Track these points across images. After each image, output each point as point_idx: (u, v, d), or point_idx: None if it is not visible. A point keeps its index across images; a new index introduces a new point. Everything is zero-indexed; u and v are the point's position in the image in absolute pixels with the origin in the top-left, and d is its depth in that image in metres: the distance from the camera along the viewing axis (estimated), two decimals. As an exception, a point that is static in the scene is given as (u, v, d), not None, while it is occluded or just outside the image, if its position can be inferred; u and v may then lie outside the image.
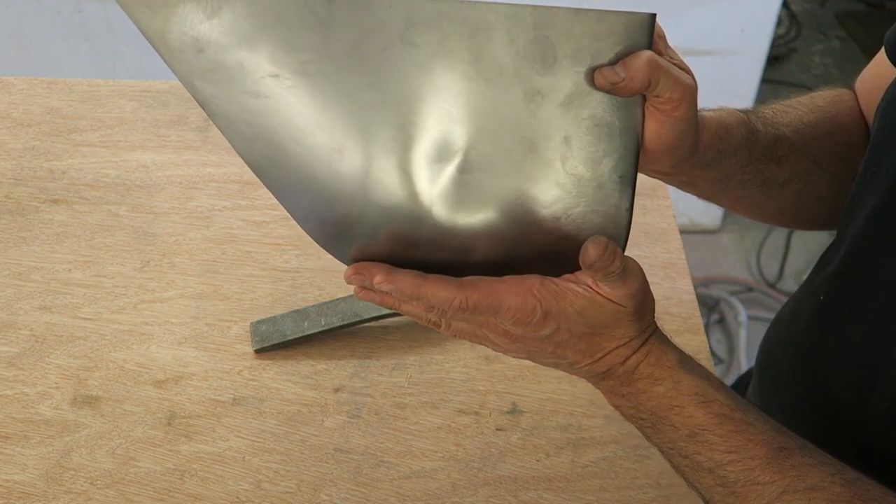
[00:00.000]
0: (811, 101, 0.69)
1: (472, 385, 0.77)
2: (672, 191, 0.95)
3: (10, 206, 0.92)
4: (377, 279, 0.53)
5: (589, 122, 0.49)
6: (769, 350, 0.77)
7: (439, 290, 0.53)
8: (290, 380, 0.78)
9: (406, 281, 0.53)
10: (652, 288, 0.84)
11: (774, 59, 2.55)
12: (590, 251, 0.51)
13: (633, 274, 0.53)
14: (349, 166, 0.51)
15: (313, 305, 0.81)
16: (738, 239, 2.08)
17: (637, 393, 0.55)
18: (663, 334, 0.57)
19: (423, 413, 0.75)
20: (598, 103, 0.49)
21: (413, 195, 0.52)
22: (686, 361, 0.56)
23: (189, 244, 0.89)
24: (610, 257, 0.51)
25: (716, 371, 0.79)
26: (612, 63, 0.47)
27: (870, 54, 0.72)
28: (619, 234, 0.54)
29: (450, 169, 0.51)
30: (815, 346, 0.66)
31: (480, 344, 0.57)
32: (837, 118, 0.68)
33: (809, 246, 2.06)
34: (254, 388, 0.77)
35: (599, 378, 0.57)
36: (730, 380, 1.59)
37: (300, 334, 0.79)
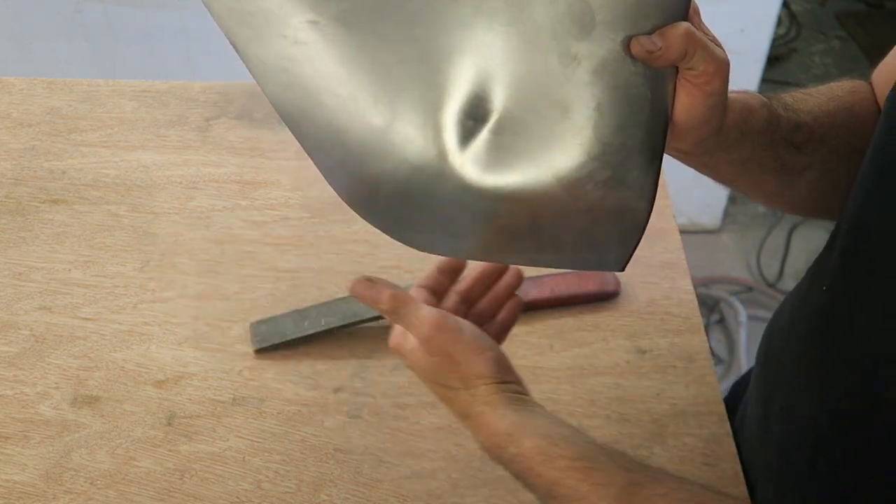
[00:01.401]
0: (830, 91, 0.68)
1: (472, 385, 0.77)
2: (672, 191, 0.95)
3: (10, 206, 0.92)
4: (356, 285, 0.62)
5: (622, 92, 0.50)
6: (771, 342, 0.76)
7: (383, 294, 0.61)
8: (290, 380, 0.78)
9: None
10: (652, 288, 0.85)
11: (774, 59, 2.55)
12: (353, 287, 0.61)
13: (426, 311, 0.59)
14: (382, 120, 0.51)
15: (313, 305, 0.81)
16: (738, 239, 2.08)
17: (496, 458, 0.60)
18: (509, 401, 0.60)
19: (423, 413, 0.75)
20: (632, 72, 0.49)
21: (443, 153, 0.52)
22: (528, 425, 0.58)
23: (189, 244, 0.89)
24: (371, 287, 0.61)
25: (715, 371, 0.80)
26: (649, 33, 0.47)
27: (870, 54, 0.72)
28: (642, 207, 0.54)
29: (483, 129, 0.51)
30: (815, 337, 0.66)
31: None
32: (854, 109, 0.67)
33: (809, 246, 2.06)
34: (254, 388, 0.77)
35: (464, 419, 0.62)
36: (730, 380, 1.59)
37: (300, 334, 0.79)
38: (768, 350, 0.77)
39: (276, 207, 0.93)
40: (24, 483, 0.70)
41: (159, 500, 0.69)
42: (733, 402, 0.82)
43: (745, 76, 1.75)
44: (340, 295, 0.83)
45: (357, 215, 0.54)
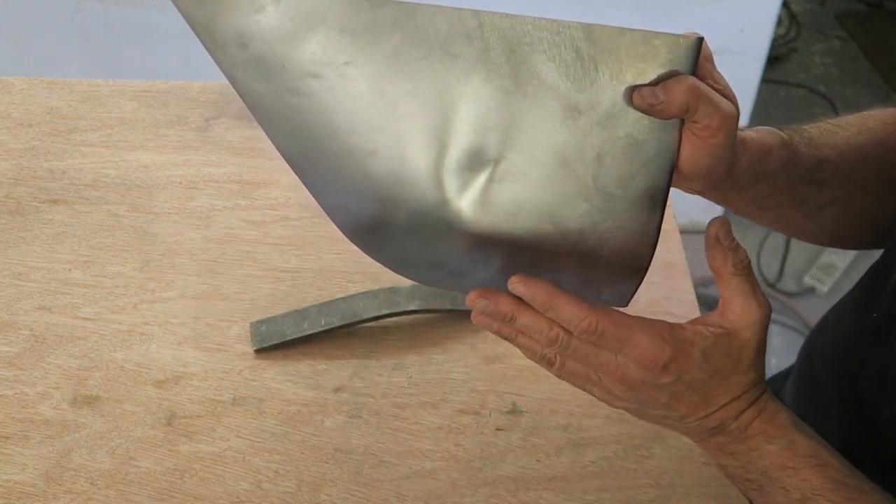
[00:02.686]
0: (862, 123, 0.66)
1: (472, 385, 0.77)
2: (672, 191, 0.95)
3: (10, 206, 0.92)
4: (513, 280, 0.52)
5: (624, 142, 0.49)
6: (809, 362, 0.76)
7: (571, 306, 0.51)
8: (290, 380, 0.78)
9: (541, 287, 0.51)
10: (652, 288, 0.85)
11: (774, 59, 2.55)
12: (712, 225, 0.52)
13: (763, 296, 0.53)
14: (381, 169, 0.51)
15: (313, 305, 0.81)
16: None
17: (748, 451, 0.53)
18: (772, 393, 0.55)
19: (423, 413, 0.75)
20: (634, 123, 0.48)
21: (442, 202, 0.52)
22: (799, 422, 0.54)
23: (189, 244, 0.89)
24: (733, 237, 0.52)
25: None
26: (653, 84, 0.46)
27: (870, 54, 0.72)
28: (644, 252, 0.54)
29: (481, 178, 0.51)
30: (863, 362, 0.65)
31: (586, 390, 0.55)
32: (887, 142, 0.66)
33: (809, 246, 2.06)
34: (254, 388, 0.77)
35: (709, 434, 0.55)
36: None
37: (300, 334, 0.79)
38: (805, 371, 0.75)
39: (276, 207, 0.93)
40: (24, 483, 0.70)
41: (159, 500, 0.69)
42: None
43: (745, 76, 1.75)
44: (340, 295, 0.83)
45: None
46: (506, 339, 0.54)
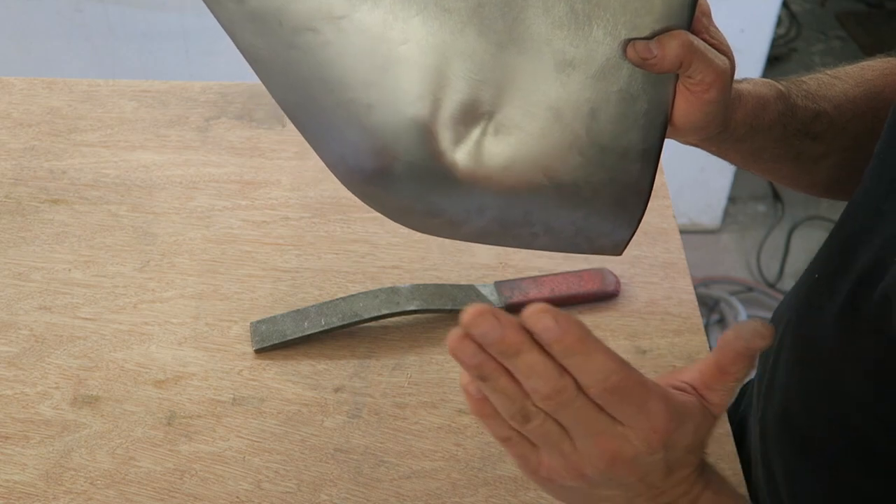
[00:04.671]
0: (860, 73, 0.66)
1: (472, 385, 0.77)
2: (672, 191, 0.95)
3: (10, 206, 0.92)
4: (536, 309, 0.40)
5: (618, 96, 0.49)
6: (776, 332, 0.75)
7: (606, 355, 0.41)
8: (290, 380, 0.78)
9: (577, 326, 0.40)
10: (652, 288, 0.85)
11: (774, 59, 2.55)
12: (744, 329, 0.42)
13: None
14: (378, 122, 0.52)
15: (313, 305, 0.81)
16: (738, 239, 2.08)
17: None
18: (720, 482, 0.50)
19: (423, 413, 0.75)
20: (628, 78, 0.48)
21: (437, 153, 0.53)
22: (740, 495, 0.50)
23: (189, 244, 0.89)
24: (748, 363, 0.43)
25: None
26: (648, 39, 0.46)
27: (870, 54, 0.71)
28: (637, 203, 0.54)
29: (475, 131, 0.52)
30: (801, 322, 0.65)
31: (531, 461, 0.45)
32: (884, 93, 0.65)
33: (809, 246, 2.06)
34: (254, 388, 0.77)
35: None
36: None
37: (300, 334, 0.79)
38: (765, 353, 0.76)
39: (276, 207, 0.93)
40: (24, 483, 0.70)
41: (159, 500, 0.69)
42: (734, 401, 0.82)
43: (745, 76, 1.74)
44: (340, 295, 0.83)
45: (356, 216, 0.55)
46: (479, 378, 0.42)
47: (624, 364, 0.41)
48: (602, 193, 0.53)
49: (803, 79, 0.63)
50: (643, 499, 0.45)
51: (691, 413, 0.44)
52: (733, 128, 0.55)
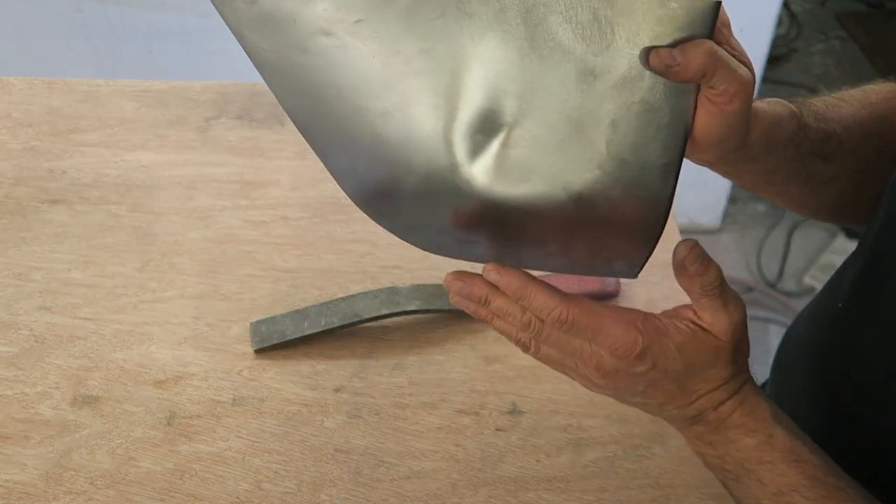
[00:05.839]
0: (864, 96, 0.66)
1: (472, 385, 0.77)
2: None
3: (10, 206, 0.92)
4: (487, 267, 0.53)
5: (639, 107, 0.48)
6: (783, 353, 0.76)
7: (542, 295, 0.52)
8: (290, 380, 0.78)
9: (514, 276, 0.53)
10: (652, 288, 0.85)
11: (774, 59, 2.55)
12: (679, 249, 0.51)
13: (733, 305, 0.53)
14: (392, 130, 0.51)
15: (313, 305, 0.81)
16: (738, 239, 2.08)
17: (727, 442, 0.53)
18: (756, 385, 0.55)
19: (423, 413, 0.75)
20: (650, 88, 0.48)
21: (453, 165, 0.51)
22: (780, 416, 0.54)
23: (189, 244, 0.89)
24: (701, 262, 0.51)
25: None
26: (671, 46, 0.46)
27: (870, 54, 0.71)
28: (656, 221, 0.53)
29: (493, 142, 0.50)
30: (830, 351, 0.66)
31: (565, 374, 0.56)
32: (889, 117, 0.65)
33: (809, 246, 2.06)
34: (254, 388, 0.77)
35: (688, 423, 0.55)
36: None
37: (300, 334, 0.79)
38: (780, 360, 0.76)
39: (276, 207, 0.93)
40: (24, 483, 0.70)
41: (159, 500, 0.69)
42: None
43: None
44: (340, 295, 0.83)
45: (356, 216, 0.54)
46: (483, 320, 0.56)
47: (565, 299, 0.52)
48: (620, 210, 0.52)
49: (811, 100, 0.62)
50: (671, 406, 0.54)
51: (667, 332, 0.52)
52: (749, 145, 0.54)
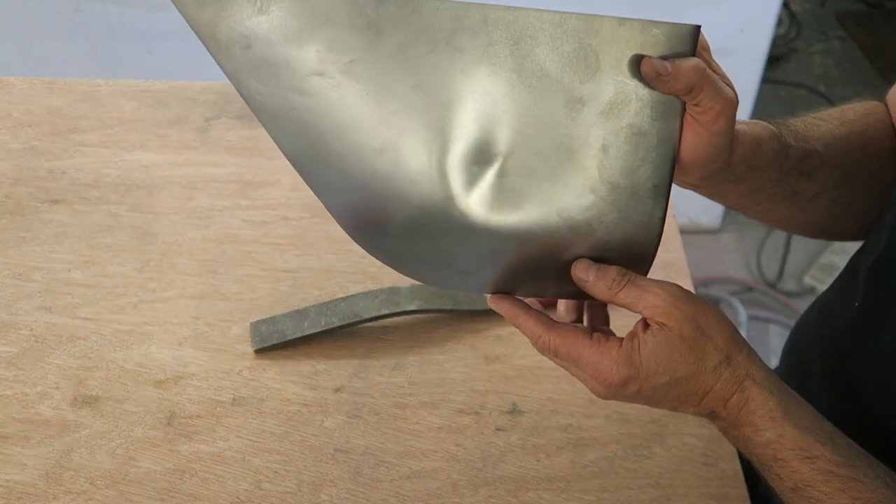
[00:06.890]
0: (842, 114, 0.68)
1: (472, 385, 0.78)
2: (672, 191, 0.95)
3: (10, 206, 0.92)
4: (490, 298, 0.58)
5: (627, 131, 0.50)
6: (795, 354, 0.76)
7: (529, 324, 0.56)
8: (290, 380, 0.78)
9: (507, 306, 0.57)
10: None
11: (774, 59, 2.55)
12: (574, 273, 0.55)
13: (656, 286, 0.54)
14: (388, 165, 0.52)
15: (313, 305, 0.81)
16: (738, 239, 2.08)
17: (744, 439, 0.54)
18: (767, 377, 0.54)
19: (423, 413, 0.75)
20: (637, 112, 0.49)
21: (449, 197, 0.53)
22: (791, 411, 0.54)
23: (189, 244, 0.89)
24: (593, 271, 0.54)
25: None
26: (662, 59, 0.48)
27: (870, 54, 0.72)
28: (650, 241, 0.55)
29: (488, 173, 0.52)
30: (848, 352, 0.66)
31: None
32: (868, 132, 0.67)
33: (809, 246, 2.06)
34: (254, 388, 0.77)
35: (710, 419, 0.56)
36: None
37: (300, 334, 0.79)
38: (791, 366, 0.76)
39: (276, 207, 0.93)
40: (24, 483, 0.70)
41: (159, 500, 0.69)
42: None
43: (745, 76, 1.75)
44: (340, 295, 0.83)
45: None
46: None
47: (550, 329, 0.55)
48: (615, 233, 0.54)
49: (790, 121, 0.64)
50: (685, 410, 0.55)
51: (636, 352, 0.53)
52: (733, 166, 0.56)
